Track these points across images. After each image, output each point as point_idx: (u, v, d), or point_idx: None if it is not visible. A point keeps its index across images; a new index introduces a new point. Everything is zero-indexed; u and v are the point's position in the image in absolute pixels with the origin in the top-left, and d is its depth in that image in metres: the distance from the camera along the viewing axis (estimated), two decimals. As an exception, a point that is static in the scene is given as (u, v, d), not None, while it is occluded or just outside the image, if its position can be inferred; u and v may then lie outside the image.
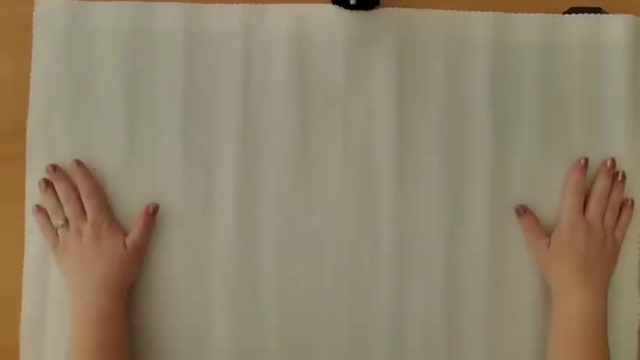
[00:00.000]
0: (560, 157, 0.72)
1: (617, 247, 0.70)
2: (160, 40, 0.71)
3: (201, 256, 0.71)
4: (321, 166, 0.72)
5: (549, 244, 0.69)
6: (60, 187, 0.69)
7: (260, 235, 0.71)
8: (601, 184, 0.71)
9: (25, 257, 0.71)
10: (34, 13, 0.71)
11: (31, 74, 0.71)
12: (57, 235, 0.69)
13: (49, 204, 0.70)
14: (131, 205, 0.71)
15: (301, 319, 0.71)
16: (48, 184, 0.70)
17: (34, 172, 0.71)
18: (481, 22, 0.72)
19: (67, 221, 0.69)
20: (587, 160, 0.71)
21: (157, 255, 0.71)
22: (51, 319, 0.70)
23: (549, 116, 0.72)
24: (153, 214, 0.70)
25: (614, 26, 0.72)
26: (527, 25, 0.72)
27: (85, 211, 0.69)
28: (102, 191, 0.70)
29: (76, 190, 0.70)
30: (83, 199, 0.69)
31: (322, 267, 0.71)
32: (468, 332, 0.71)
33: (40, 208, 0.70)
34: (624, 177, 0.71)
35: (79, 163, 0.70)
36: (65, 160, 0.71)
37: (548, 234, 0.70)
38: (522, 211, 0.71)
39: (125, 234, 0.69)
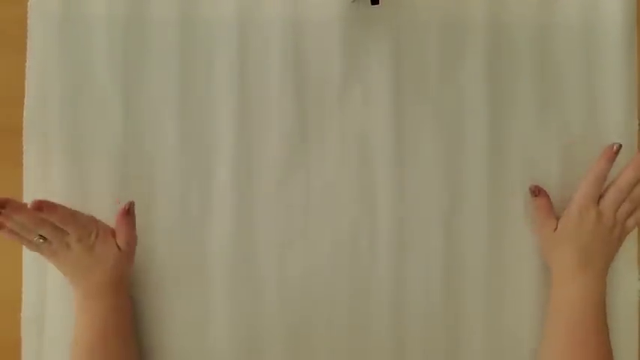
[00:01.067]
0: (557, 137, 0.72)
1: (623, 236, 0.70)
2: (155, 28, 0.71)
3: (200, 242, 0.71)
4: (319, 151, 0.72)
5: (556, 227, 0.69)
6: (20, 220, 0.63)
7: (258, 219, 0.71)
8: (628, 177, 0.68)
9: (23, 256, 0.71)
10: (28, 1, 0.71)
11: (27, 63, 0.71)
12: (40, 246, 0.65)
13: (19, 229, 0.64)
14: (128, 193, 0.71)
15: (301, 302, 0.71)
16: (5, 217, 0.63)
17: (31, 165, 0.71)
18: (476, 2, 0.72)
19: (45, 238, 0.65)
20: (620, 146, 0.69)
21: (155, 243, 0.71)
22: (50, 316, 0.70)
23: (545, 96, 0.72)
24: (129, 211, 0.68)
25: (610, 4, 0.72)
26: (523, 4, 0.72)
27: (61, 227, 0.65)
28: (74, 211, 0.66)
29: (36, 216, 0.63)
30: (62, 226, 0.65)
31: (321, 251, 0.71)
32: (467, 312, 0.71)
33: (10, 232, 0.64)
34: None
35: (38, 203, 0.61)
36: (60, 150, 0.71)
37: (557, 217, 0.70)
38: (537, 191, 0.71)
39: (114, 234, 0.68)
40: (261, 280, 0.71)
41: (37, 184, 0.71)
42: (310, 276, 0.71)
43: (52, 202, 0.63)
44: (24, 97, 0.71)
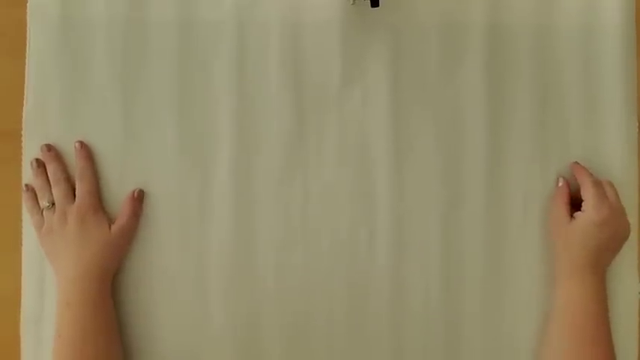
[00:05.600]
0: (556, 138, 0.72)
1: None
2: (154, 29, 0.71)
3: (198, 243, 0.71)
4: (317, 151, 0.72)
5: (572, 223, 0.69)
6: (51, 168, 0.70)
7: (257, 220, 0.71)
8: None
9: (23, 256, 0.71)
10: (27, 3, 0.71)
11: (26, 64, 0.71)
12: (42, 216, 0.69)
13: (37, 184, 0.70)
14: (126, 194, 0.71)
15: (299, 304, 0.71)
16: (40, 164, 0.70)
17: (30, 169, 0.71)
18: (475, 4, 0.72)
19: (53, 204, 0.69)
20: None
21: (153, 242, 0.71)
22: (49, 316, 0.69)
23: (545, 97, 0.72)
24: (138, 198, 0.70)
25: (609, 5, 0.72)
26: (522, 5, 0.72)
27: (74, 195, 0.69)
28: (95, 177, 0.70)
29: (66, 172, 0.70)
30: (76, 181, 0.70)
31: (319, 250, 0.71)
32: (466, 311, 0.71)
33: (28, 187, 0.70)
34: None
35: (82, 144, 0.70)
36: (60, 151, 0.71)
37: (572, 212, 0.70)
38: (563, 183, 0.71)
39: (112, 220, 0.70)
40: (259, 280, 0.71)
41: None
42: (309, 276, 0.71)
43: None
44: (23, 99, 0.71)
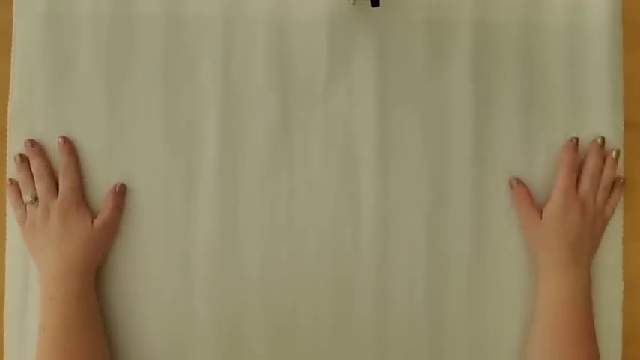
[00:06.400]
0: (542, 135, 0.72)
1: (604, 224, 0.71)
2: (140, 25, 0.71)
3: (183, 239, 0.71)
4: (303, 148, 0.72)
5: (541, 219, 0.69)
6: (34, 163, 0.70)
7: (242, 217, 0.71)
8: (592, 162, 0.70)
9: (6, 253, 0.71)
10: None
11: (11, 60, 0.71)
12: (25, 211, 0.69)
13: (21, 178, 0.70)
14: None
15: (284, 301, 0.71)
16: (23, 158, 0.70)
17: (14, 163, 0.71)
18: (463, 1, 0.72)
19: (36, 198, 0.69)
20: (577, 139, 0.71)
21: (138, 237, 0.71)
22: (32, 313, 0.69)
23: (531, 95, 0.72)
24: (120, 193, 0.70)
25: (596, 4, 0.72)
26: (509, 3, 0.72)
27: (57, 190, 0.70)
28: (79, 172, 0.71)
29: (50, 167, 0.70)
30: (59, 176, 0.70)
31: (304, 248, 0.71)
32: (451, 310, 0.71)
33: (12, 182, 0.71)
34: (618, 155, 0.71)
35: (65, 139, 0.70)
36: (45, 147, 0.71)
37: (539, 209, 0.70)
38: (516, 184, 0.71)
39: (96, 216, 0.70)
40: (244, 277, 0.71)
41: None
42: (293, 274, 0.71)
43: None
44: (8, 100, 0.71)
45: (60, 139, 0.70)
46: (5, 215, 0.71)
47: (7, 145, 0.71)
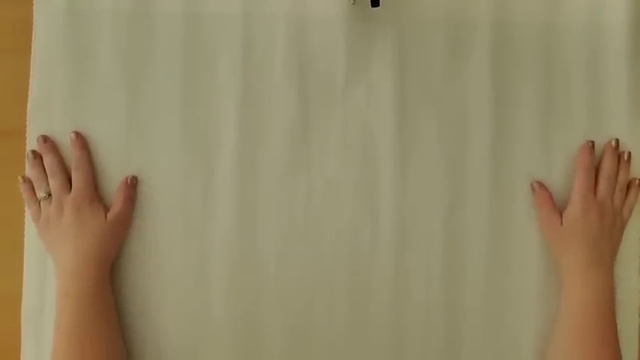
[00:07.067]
0: (561, 136, 0.72)
1: (623, 226, 0.71)
2: (160, 22, 0.72)
3: (201, 235, 0.71)
4: (321, 147, 0.72)
5: (562, 223, 0.69)
6: (47, 159, 0.70)
7: (259, 213, 0.71)
8: (608, 164, 0.71)
9: (24, 246, 0.71)
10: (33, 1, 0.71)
11: (32, 57, 0.71)
12: (40, 207, 0.69)
13: (34, 175, 0.70)
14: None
15: (300, 299, 0.71)
16: (36, 155, 0.70)
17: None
18: (481, 1, 0.72)
19: (50, 194, 0.69)
20: (593, 142, 0.71)
21: (155, 234, 0.71)
22: (50, 317, 0.68)
23: (550, 95, 0.72)
24: (131, 185, 0.70)
25: (616, 4, 0.72)
26: (528, 3, 0.72)
27: (70, 185, 0.69)
28: (91, 166, 0.70)
29: (62, 163, 0.70)
30: (72, 171, 0.70)
31: (322, 247, 0.71)
32: (468, 311, 0.71)
33: (26, 179, 0.70)
34: (630, 157, 0.71)
35: (77, 134, 0.70)
36: (64, 143, 0.71)
37: (560, 212, 0.70)
38: (538, 187, 0.71)
39: (108, 209, 0.69)
40: (261, 274, 0.71)
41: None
42: (310, 271, 0.71)
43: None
44: (27, 98, 0.71)
45: (72, 134, 0.70)
46: (23, 220, 0.71)
47: (26, 140, 0.71)
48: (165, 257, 0.71)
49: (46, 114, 0.71)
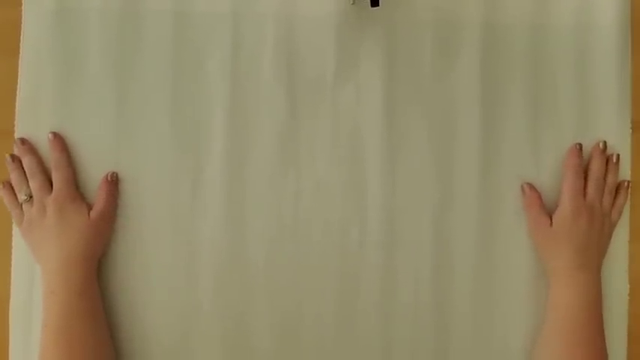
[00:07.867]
0: (549, 136, 0.72)
1: (612, 229, 0.71)
2: (149, 21, 0.71)
3: (189, 234, 0.71)
4: (310, 146, 0.72)
5: (551, 224, 0.69)
6: (26, 161, 0.70)
7: (248, 213, 0.71)
8: (596, 166, 0.71)
9: (12, 247, 0.71)
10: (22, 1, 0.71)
11: (20, 57, 0.71)
12: (22, 211, 0.69)
13: (14, 178, 0.70)
14: (120, 185, 0.71)
15: (289, 298, 0.71)
16: (14, 158, 0.70)
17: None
18: (471, 2, 0.72)
19: (31, 197, 0.69)
20: (581, 145, 0.71)
21: (144, 233, 0.71)
22: (38, 317, 0.68)
23: (539, 96, 0.72)
24: (112, 181, 0.70)
25: (604, 5, 0.72)
26: (517, 4, 0.72)
27: (51, 185, 0.69)
28: (71, 165, 0.70)
29: (42, 164, 0.70)
30: (52, 171, 0.70)
31: (310, 246, 0.71)
32: (457, 311, 0.71)
33: (5, 184, 0.70)
34: (618, 159, 0.71)
35: (54, 134, 0.70)
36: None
37: (549, 214, 0.70)
38: (528, 189, 0.71)
39: (91, 207, 0.69)
40: (249, 275, 0.71)
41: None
42: (299, 271, 0.71)
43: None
44: (16, 99, 0.71)
45: (50, 135, 0.70)
46: (11, 222, 0.71)
47: (15, 137, 0.71)
48: (154, 256, 0.71)
49: (35, 114, 0.71)
